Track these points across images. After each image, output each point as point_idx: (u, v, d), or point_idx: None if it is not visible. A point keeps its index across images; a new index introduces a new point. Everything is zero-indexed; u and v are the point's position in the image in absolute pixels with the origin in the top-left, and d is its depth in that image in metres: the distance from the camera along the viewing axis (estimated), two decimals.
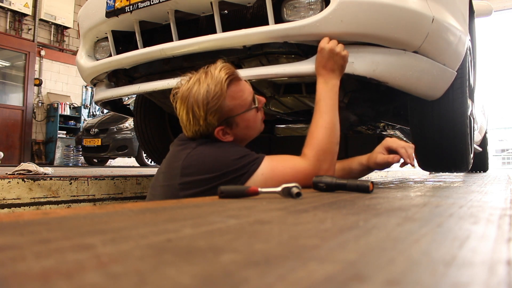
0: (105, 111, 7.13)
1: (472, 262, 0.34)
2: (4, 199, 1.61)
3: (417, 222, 0.55)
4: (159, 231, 0.44)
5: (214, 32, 1.34)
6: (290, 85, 1.75)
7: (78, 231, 0.44)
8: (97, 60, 1.77)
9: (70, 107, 8.56)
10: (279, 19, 1.27)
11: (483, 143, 4.39)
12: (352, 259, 0.33)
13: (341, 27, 1.19)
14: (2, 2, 7.50)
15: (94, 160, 6.99)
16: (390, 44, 1.27)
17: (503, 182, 2.03)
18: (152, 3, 1.42)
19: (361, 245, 0.39)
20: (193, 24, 1.54)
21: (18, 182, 1.67)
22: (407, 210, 0.68)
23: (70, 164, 7.88)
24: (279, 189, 0.83)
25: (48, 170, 2.01)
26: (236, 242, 0.39)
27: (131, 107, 2.49)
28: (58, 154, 8.02)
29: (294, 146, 1.45)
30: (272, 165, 1.07)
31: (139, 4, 1.45)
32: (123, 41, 1.72)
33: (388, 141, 1.29)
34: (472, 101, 2.07)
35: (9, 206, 1.63)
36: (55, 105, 8.21)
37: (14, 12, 7.76)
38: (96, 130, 6.37)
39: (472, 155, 1.81)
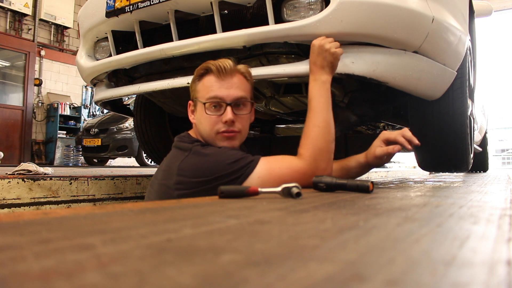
0: (105, 111, 7.13)
1: (472, 262, 0.34)
2: (4, 199, 1.61)
3: (417, 222, 0.55)
4: (159, 231, 0.44)
5: (214, 32, 1.34)
6: (290, 85, 1.76)
7: (78, 231, 0.44)
8: (97, 60, 1.77)
9: (70, 107, 8.56)
10: (279, 19, 1.27)
11: (483, 143, 4.39)
12: (352, 259, 0.33)
13: (341, 27, 1.19)
14: (2, 2, 7.50)
15: (94, 160, 6.99)
16: (390, 44, 1.27)
17: (503, 182, 2.03)
18: (152, 3, 1.42)
19: (361, 245, 0.39)
20: (193, 24, 1.54)
21: (18, 182, 1.67)
22: (407, 210, 0.68)
23: (70, 164, 7.88)
24: (279, 189, 0.84)
25: (48, 170, 2.01)
26: (236, 242, 0.39)
27: (131, 107, 2.49)
28: (58, 154, 8.01)
29: (295, 146, 1.45)
30: (269, 167, 1.08)
31: (139, 4, 1.45)
32: (123, 41, 1.71)
33: (385, 134, 1.28)
34: (472, 101, 2.07)
35: (9, 206, 1.63)
36: (55, 105, 8.21)
37: (14, 12, 7.76)
38: (96, 130, 6.37)
39: (472, 155, 1.80)
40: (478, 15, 2.73)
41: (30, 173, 1.88)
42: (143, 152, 5.86)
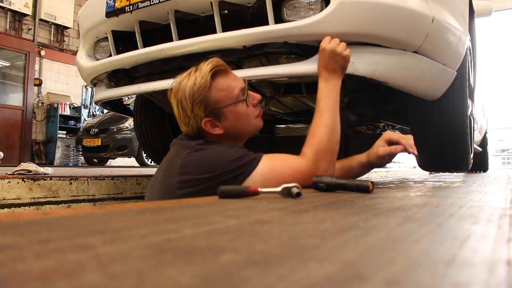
0: (105, 111, 7.13)
1: (472, 262, 0.34)
2: (4, 199, 1.61)
3: (417, 222, 0.55)
4: (159, 231, 0.44)
5: (214, 32, 1.34)
6: (290, 85, 1.76)
7: (78, 231, 0.44)
8: (97, 60, 1.77)
9: (70, 107, 8.56)
10: (279, 19, 1.27)
11: (483, 143, 4.39)
12: (352, 259, 0.33)
13: (341, 27, 1.19)
14: (2, 2, 7.50)
15: (94, 160, 6.99)
16: (390, 44, 1.27)
17: (503, 182, 2.03)
18: (152, 3, 1.42)
19: (361, 245, 0.39)
20: (193, 24, 1.54)
21: (18, 182, 1.67)
22: (407, 210, 0.68)
23: (70, 164, 7.88)
24: (279, 189, 0.84)
25: (48, 170, 2.01)
26: (236, 242, 0.39)
27: (131, 107, 2.49)
28: (58, 154, 8.01)
29: (294, 146, 1.45)
30: (271, 165, 1.07)
31: (139, 4, 1.45)
32: (123, 41, 1.72)
33: (388, 134, 1.28)
34: (472, 101, 2.07)
35: (9, 206, 1.63)
36: (55, 105, 8.21)
37: (14, 12, 7.76)
38: (96, 130, 6.37)
39: (472, 155, 1.80)
40: (478, 15, 2.73)
41: (30, 173, 1.88)
42: (143, 152, 5.87)
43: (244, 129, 1.18)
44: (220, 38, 1.32)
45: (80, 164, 7.83)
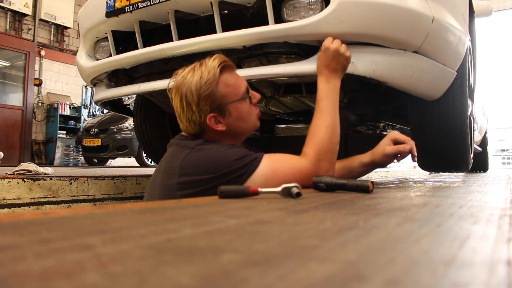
0: (105, 111, 7.13)
1: (472, 262, 0.34)
2: (4, 199, 1.61)
3: (417, 222, 0.55)
4: (159, 231, 0.44)
5: (214, 32, 1.34)
6: (290, 85, 1.76)
7: (78, 231, 0.44)
8: (97, 60, 1.77)
9: (70, 107, 8.56)
10: (279, 19, 1.27)
11: (483, 143, 4.39)
12: (352, 259, 0.33)
13: (341, 27, 1.19)
14: (2, 2, 7.50)
15: (94, 160, 6.99)
16: (390, 44, 1.27)
17: (503, 182, 2.03)
18: (152, 3, 1.42)
19: (361, 245, 0.39)
20: (193, 24, 1.54)
21: (18, 182, 1.67)
22: (407, 210, 0.68)
23: (70, 164, 7.88)
24: (279, 189, 0.83)
25: (48, 170, 2.01)
26: (236, 242, 0.39)
27: (131, 107, 2.49)
28: (58, 154, 8.02)
29: (294, 146, 1.45)
30: (272, 165, 1.07)
31: (139, 4, 1.45)
32: (123, 41, 1.72)
33: (394, 134, 1.29)
34: (472, 101, 2.07)
35: (9, 206, 1.63)
36: (55, 105, 8.21)
37: (14, 12, 7.76)
38: (96, 130, 6.37)
39: (472, 155, 1.80)
40: (478, 15, 2.73)
41: (30, 173, 1.88)
42: (143, 152, 5.86)
43: (245, 127, 1.18)
44: (220, 38, 1.32)
45: (80, 164, 7.83)
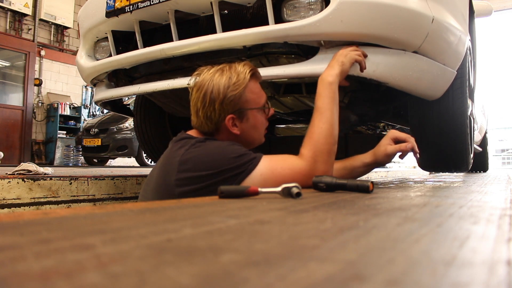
0: (105, 111, 7.14)
1: (472, 262, 0.34)
2: (4, 199, 1.61)
3: (417, 222, 0.55)
4: (159, 231, 0.44)
5: (214, 32, 1.34)
6: (290, 85, 1.76)
7: (78, 231, 0.44)
8: (97, 60, 1.77)
9: (70, 107, 8.56)
10: (279, 19, 1.27)
11: (483, 143, 4.39)
12: (352, 259, 0.33)
13: (341, 27, 1.19)
14: (2, 2, 7.50)
15: (94, 160, 6.99)
16: (390, 44, 1.27)
17: (503, 182, 2.03)
18: (152, 3, 1.42)
19: (361, 245, 0.39)
20: (193, 24, 1.54)
21: (18, 182, 1.67)
22: (407, 210, 0.68)
23: (70, 164, 7.88)
24: (279, 189, 0.84)
25: (48, 170, 2.01)
26: (236, 242, 0.39)
27: (131, 107, 2.49)
28: (58, 154, 8.02)
29: (294, 146, 1.45)
30: (271, 166, 1.07)
31: (139, 4, 1.45)
32: (123, 41, 1.72)
33: (394, 132, 1.29)
34: (472, 101, 2.07)
35: (9, 206, 1.63)
36: (55, 105, 8.21)
37: (14, 12, 7.76)
38: (96, 130, 6.37)
39: (472, 155, 1.80)
40: (478, 15, 2.73)
41: (30, 173, 1.88)
42: (143, 152, 5.86)
43: (255, 137, 1.21)
44: (220, 38, 1.32)
45: (80, 164, 7.83)
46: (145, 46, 1.54)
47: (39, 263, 0.29)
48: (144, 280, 0.26)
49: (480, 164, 4.57)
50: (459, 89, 1.53)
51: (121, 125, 6.24)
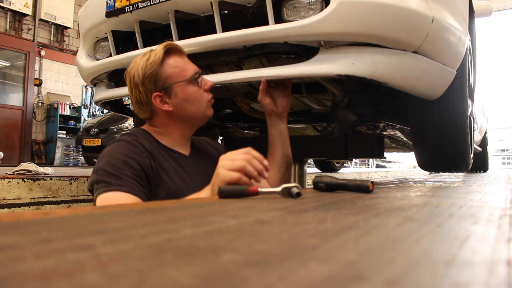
0: (105, 111, 7.13)
1: (472, 262, 0.34)
2: (4, 199, 1.61)
3: (417, 222, 0.55)
4: (159, 231, 0.44)
5: (214, 32, 1.34)
6: None
7: (78, 231, 0.44)
8: (97, 60, 1.77)
9: (70, 107, 8.56)
10: (279, 19, 1.27)
11: (483, 143, 4.39)
12: (352, 259, 0.33)
13: (341, 27, 1.19)
14: (2, 2, 7.50)
15: (94, 160, 6.97)
16: (390, 44, 1.26)
17: (503, 182, 2.03)
18: (152, 3, 1.42)
19: (361, 245, 0.39)
20: (193, 24, 1.54)
21: (18, 182, 1.67)
22: (407, 210, 0.68)
23: (70, 164, 7.88)
24: (279, 189, 0.84)
25: (48, 170, 2.01)
26: (236, 242, 0.39)
27: (131, 107, 2.49)
28: (58, 154, 8.02)
29: (294, 146, 1.45)
30: (105, 201, 1.01)
31: (139, 4, 1.45)
32: (123, 41, 1.72)
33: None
34: (472, 101, 2.07)
35: (9, 206, 1.63)
36: (55, 105, 8.21)
37: (14, 12, 7.76)
38: (96, 130, 6.37)
39: (472, 155, 1.80)
40: (478, 15, 2.73)
41: (30, 173, 1.88)
42: None
43: (193, 110, 1.19)
44: (220, 38, 1.32)
45: (80, 164, 7.83)
46: (145, 46, 1.54)
47: (39, 263, 0.29)
48: (144, 280, 0.26)
49: (480, 164, 4.56)
50: (459, 89, 1.53)
51: (121, 125, 6.23)
